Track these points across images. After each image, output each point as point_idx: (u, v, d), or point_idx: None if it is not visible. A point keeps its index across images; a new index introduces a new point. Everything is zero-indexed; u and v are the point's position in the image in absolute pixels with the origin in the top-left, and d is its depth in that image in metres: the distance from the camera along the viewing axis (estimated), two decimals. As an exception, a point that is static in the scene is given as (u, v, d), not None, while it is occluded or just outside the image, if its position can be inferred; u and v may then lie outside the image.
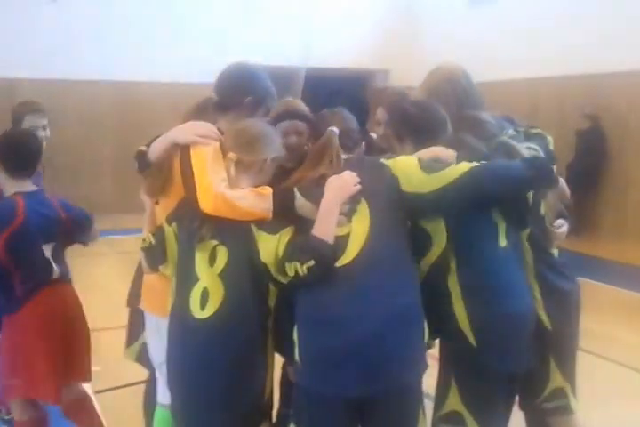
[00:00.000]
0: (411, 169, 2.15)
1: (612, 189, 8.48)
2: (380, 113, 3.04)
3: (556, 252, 2.57)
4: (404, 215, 2.17)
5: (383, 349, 2.01)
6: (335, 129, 2.19)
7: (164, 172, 2.28)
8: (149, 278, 2.42)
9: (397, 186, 2.13)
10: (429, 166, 2.14)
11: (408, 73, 11.42)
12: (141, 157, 2.32)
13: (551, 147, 2.59)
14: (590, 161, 8.50)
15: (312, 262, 1.97)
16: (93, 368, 3.01)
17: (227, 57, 10.98)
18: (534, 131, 2.61)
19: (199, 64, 9.92)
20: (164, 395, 2.44)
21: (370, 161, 2.29)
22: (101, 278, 6.46)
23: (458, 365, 2.36)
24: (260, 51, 10.23)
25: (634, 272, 7.02)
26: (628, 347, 4.63)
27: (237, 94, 2.35)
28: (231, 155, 2.15)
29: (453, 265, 2.28)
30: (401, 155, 2.33)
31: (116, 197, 9.48)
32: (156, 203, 2.36)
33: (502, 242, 2.31)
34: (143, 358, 2.66)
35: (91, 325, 3.02)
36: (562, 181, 2.50)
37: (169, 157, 2.27)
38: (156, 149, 2.29)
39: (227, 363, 2.10)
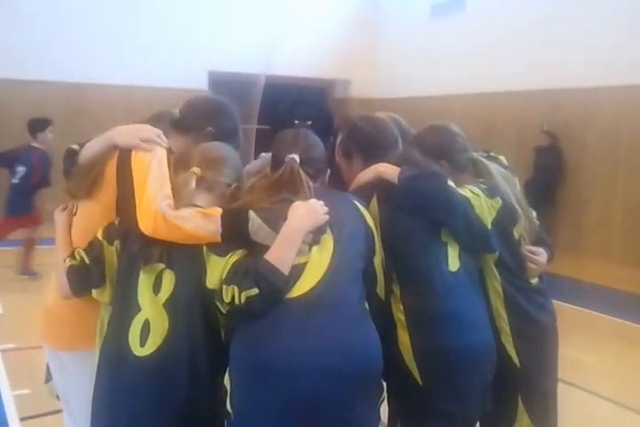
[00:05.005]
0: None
1: (569, 205, 8.54)
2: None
3: (535, 280, 2.33)
4: (364, 256, 1.92)
5: (331, 408, 1.70)
6: (295, 156, 1.92)
7: (93, 173, 1.99)
8: (50, 304, 2.07)
9: (366, 226, 1.95)
10: None
11: (369, 83, 11.42)
12: (70, 156, 2.06)
13: (505, 163, 2.49)
14: (548, 178, 8.56)
15: (254, 291, 1.70)
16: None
17: (185, 62, 10.75)
18: (487, 154, 2.48)
19: (156, 67, 9.70)
20: None
21: (338, 193, 2.06)
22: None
23: (404, 405, 2.10)
24: (221, 56, 10.10)
25: (588, 289, 7.05)
26: (581, 367, 4.58)
27: (200, 121, 2.16)
28: (195, 169, 1.91)
29: (397, 289, 2.04)
30: (349, 173, 2.22)
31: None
32: (74, 214, 2.07)
33: (453, 266, 2.09)
34: None
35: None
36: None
37: (102, 159, 2.00)
38: (89, 150, 2.03)
39: (169, 410, 1.79)
